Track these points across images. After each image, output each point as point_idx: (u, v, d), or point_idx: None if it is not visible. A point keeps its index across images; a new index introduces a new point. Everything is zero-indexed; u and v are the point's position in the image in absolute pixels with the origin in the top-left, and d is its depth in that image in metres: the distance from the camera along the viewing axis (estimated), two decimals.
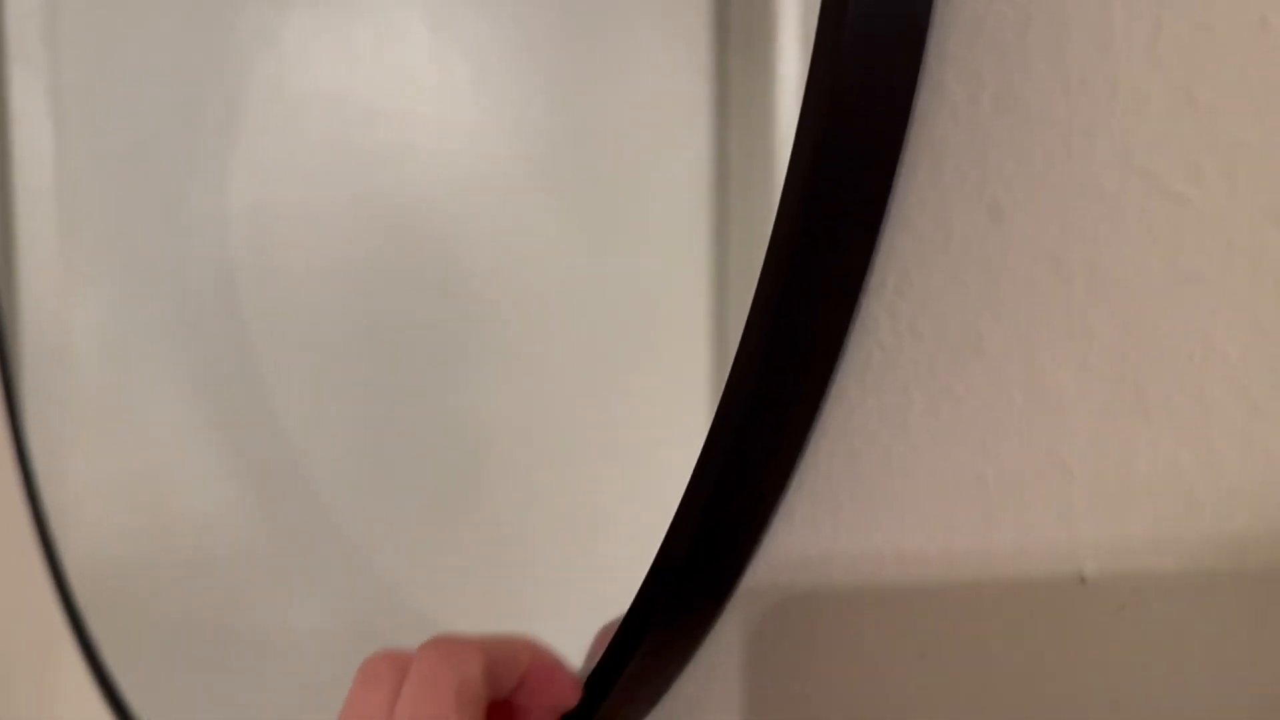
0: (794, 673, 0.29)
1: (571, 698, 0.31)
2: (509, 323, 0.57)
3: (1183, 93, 0.20)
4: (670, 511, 0.29)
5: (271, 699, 0.62)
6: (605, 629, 0.31)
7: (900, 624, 0.26)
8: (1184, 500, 0.21)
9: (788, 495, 0.28)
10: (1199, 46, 0.20)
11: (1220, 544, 0.20)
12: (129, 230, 0.65)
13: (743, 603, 0.30)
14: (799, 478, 0.28)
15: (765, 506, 0.29)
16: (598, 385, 0.53)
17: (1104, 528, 0.22)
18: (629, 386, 0.52)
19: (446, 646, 0.29)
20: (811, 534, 0.28)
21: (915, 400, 0.25)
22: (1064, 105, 0.22)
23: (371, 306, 0.60)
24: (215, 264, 0.62)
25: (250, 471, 0.63)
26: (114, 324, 0.66)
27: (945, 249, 0.24)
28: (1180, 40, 0.20)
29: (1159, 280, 0.21)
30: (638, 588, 0.31)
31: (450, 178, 0.59)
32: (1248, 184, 0.20)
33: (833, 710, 0.28)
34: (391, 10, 0.59)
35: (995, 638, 0.24)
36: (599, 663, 0.31)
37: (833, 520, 0.27)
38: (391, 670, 0.29)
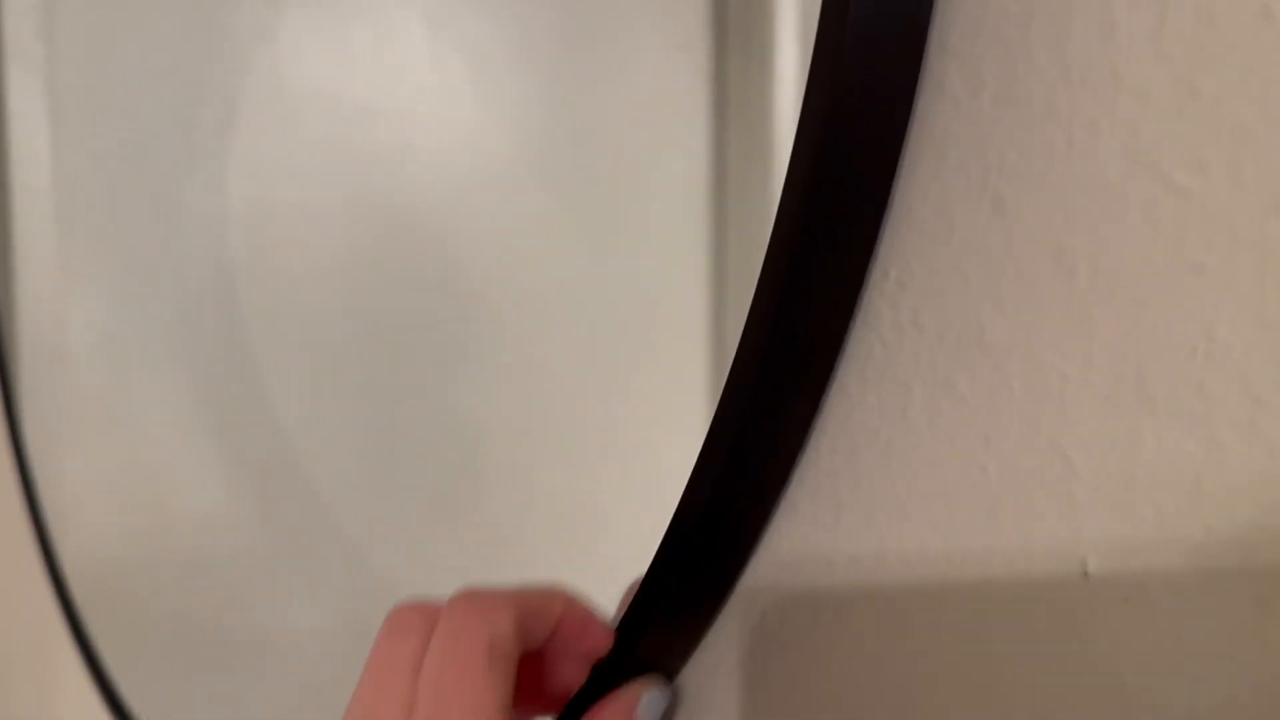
0: (796, 670, 0.29)
1: (604, 647, 0.30)
2: (508, 322, 0.57)
3: (1186, 84, 0.20)
4: (670, 510, 0.29)
5: (270, 699, 0.62)
6: (634, 585, 0.30)
7: (902, 619, 0.26)
8: (1187, 493, 0.21)
9: (788, 491, 0.28)
10: (1202, 38, 0.20)
11: (1224, 537, 0.20)
12: (126, 229, 0.65)
13: (743, 600, 0.30)
14: (799, 474, 0.28)
15: (766, 503, 0.29)
16: (597, 384, 0.53)
17: (1107, 521, 0.22)
18: (628, 385, 0.52)
19: (478, 599, 0.28)
20: (812, 530, 0.28)
21: (917, 394, 0.25)
22: (1066, 98, 0.22)
23: (370, 306, 0.60)
24: (213, 263, 0.62)
25: (249, 471, 0.63)
26: (112, 323, 0.66)
27: (947, 242, 0.24)
28: (1183, 31, 0.20)
29: (1162, 272, 0.21)
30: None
31: (449, 177, 0.58)
32: (1252, 176, 0.19)
33: (835, 706, 0.28)
34: (390, 10, 0.59)
35: (998, 632, 0.24)
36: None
37: (834, 516, 0.27)
38: (420, 621, 0.28)
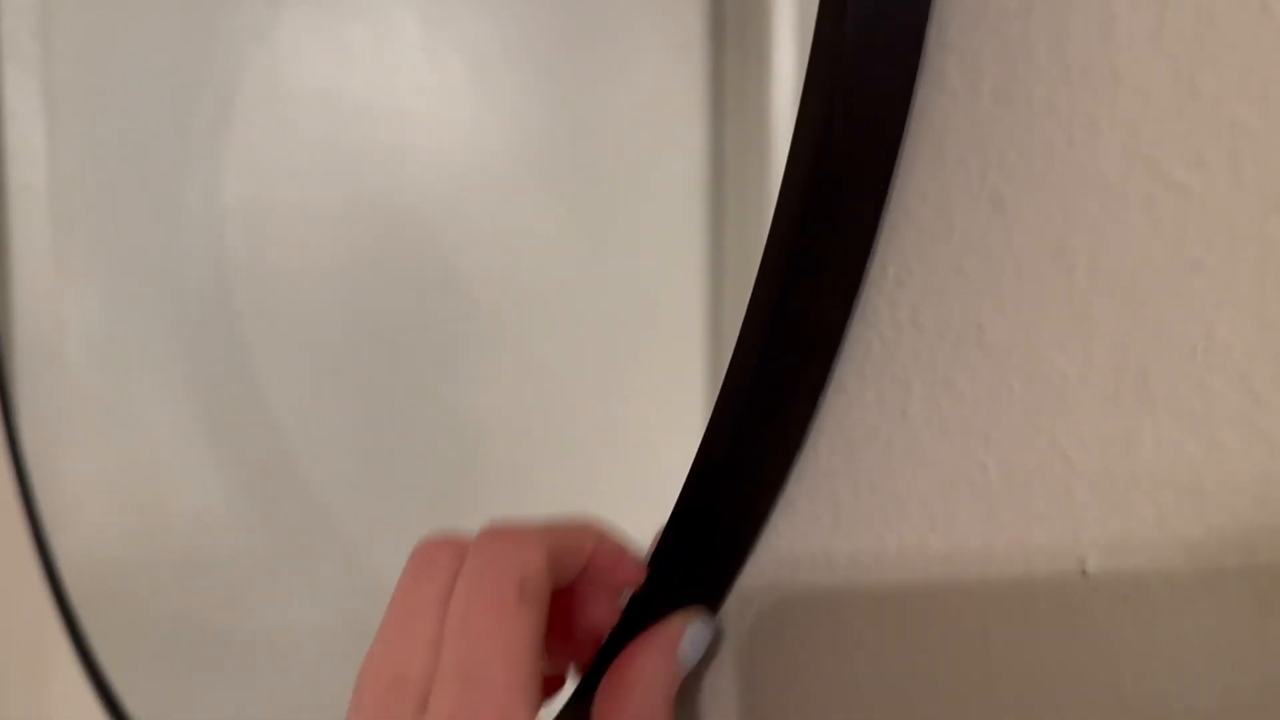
0: (794, 668, 0.29)
1: (637, 582, 0.29)
2: (506, 321, 0.57)
3: (1185, 81, 0.20)
4: (668, 509, 0.29)
5: (267, 699, 0.62)
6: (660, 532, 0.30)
7: (901, 618, 0.26)
8: (1187, 491, 0.21)
9: (786, 490, 0.28)
10: (1202, 34, 0.20)
11: (1224, 535, 0.20)
12: (123, 229, 0.65)
13: (741, 599, 0.30)
14: (798, 472, 0.28)
15: (764, 502, 0.29)
16: (595, 382, 0.52)
17: (1107, 520, 0.22)
18: (626, 384, 0.51)
19: (508, 534, 0.26)
20: (811, 528, 0.28)
21: (916, 392, 0.25)
22: (1066, 94, 0.22)
23: (367, 305, 0.60)
24: (210, 262, 0.62)
25: (245, 470, 0.63)
26: (108, 323, 0.66)
27: (946, 239, 0.24)
28: (1183, 28, 0.20)
29: (1162, 270, 0.21)
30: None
31: (447, 177, 0.58)
32: (1252, 173, 0.19)
33: (834, 705, 0.28)
34: (387, 8, 0.58)
35: (997, 631, 0.24)
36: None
37: (832, 514, 0.27)
38: (448, 557, 0.26)
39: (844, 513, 0.27)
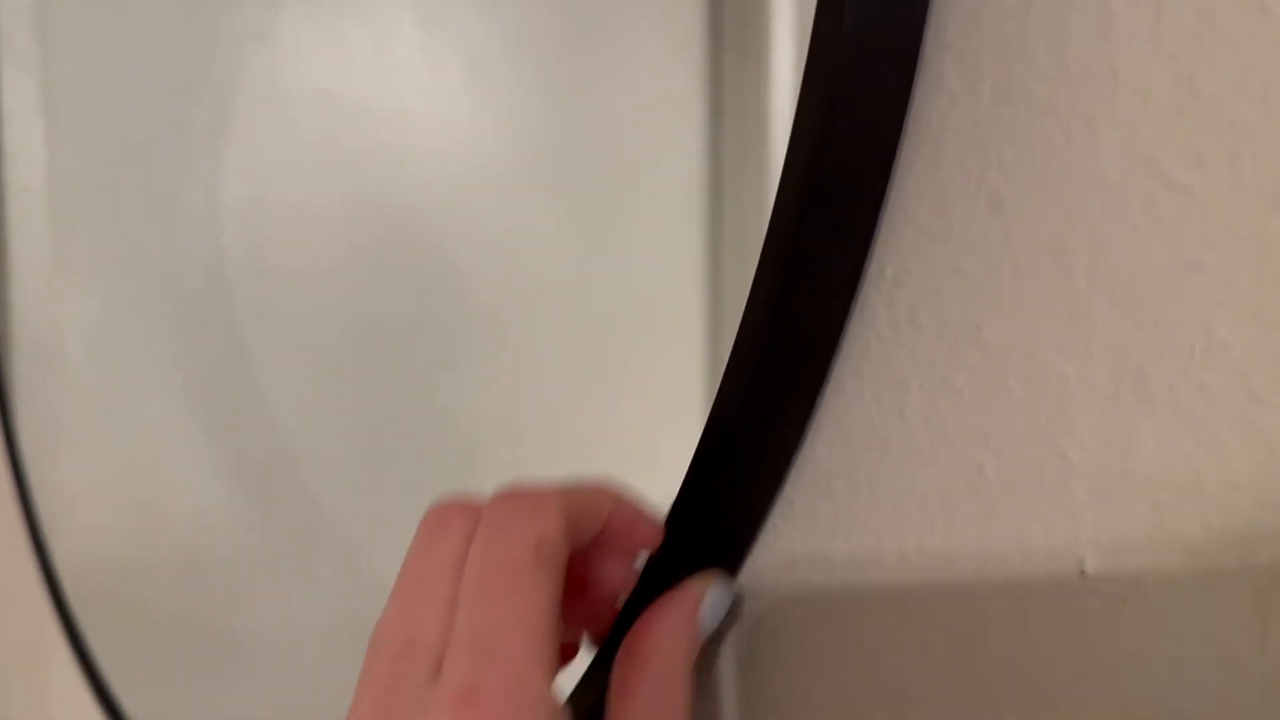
0: (792, 669, 0.29)
1: (654, 544, 0.28)
2: (505, 322, 0.57)
3: (1185, 81, 0.20)
4: (666, 510, 0.29)
5: (265, 699, 0.62)
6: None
7: (900, 618, 0.26)
8: (1186, 491, 0.21)
9: (785, 490, 0.28)
10: (1201, 34, 0.20)
11: (1224, 536, 0.20)
12: (121, 229, 0.65)
13: (739, 599, 0.30)
14: (796, 472, 0.28)
15: (762, 502, 0.29)
16: (594, 383, 0.52)
17: (1105, 520, 0.22)
18: (625, 384, 0.51)
19: (523, 496, 0.26)
20: (810, 529, 0.28)
21: (914, 392, 0.25)
22: (1065, 94, 0.22)
23: (365, 305, 0.60)
24: (208, 262, 0.62)
25: (244, 471, 0.63)
26: (107, 323, 0.66)
27: (944, 239, 0.24)
28: (1182, 27, 0.20)
29: (1161, 270, 0.21)
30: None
31: (444, 176, 0.58)
32: (1251, 172, 0.19)
33: (832, 706, 0.28)
34: (387, 8, 0.58)
35: (995, 631, 0.24)
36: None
37: (831, 514, 0.27)
38: (462, 519, 0.25)
39: (842, 513, 0.27)
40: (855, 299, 0.26)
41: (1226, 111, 0.20)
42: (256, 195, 0.61)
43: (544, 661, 0.23)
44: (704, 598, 0.28)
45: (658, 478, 0.30)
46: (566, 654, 0.31)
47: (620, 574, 0.29)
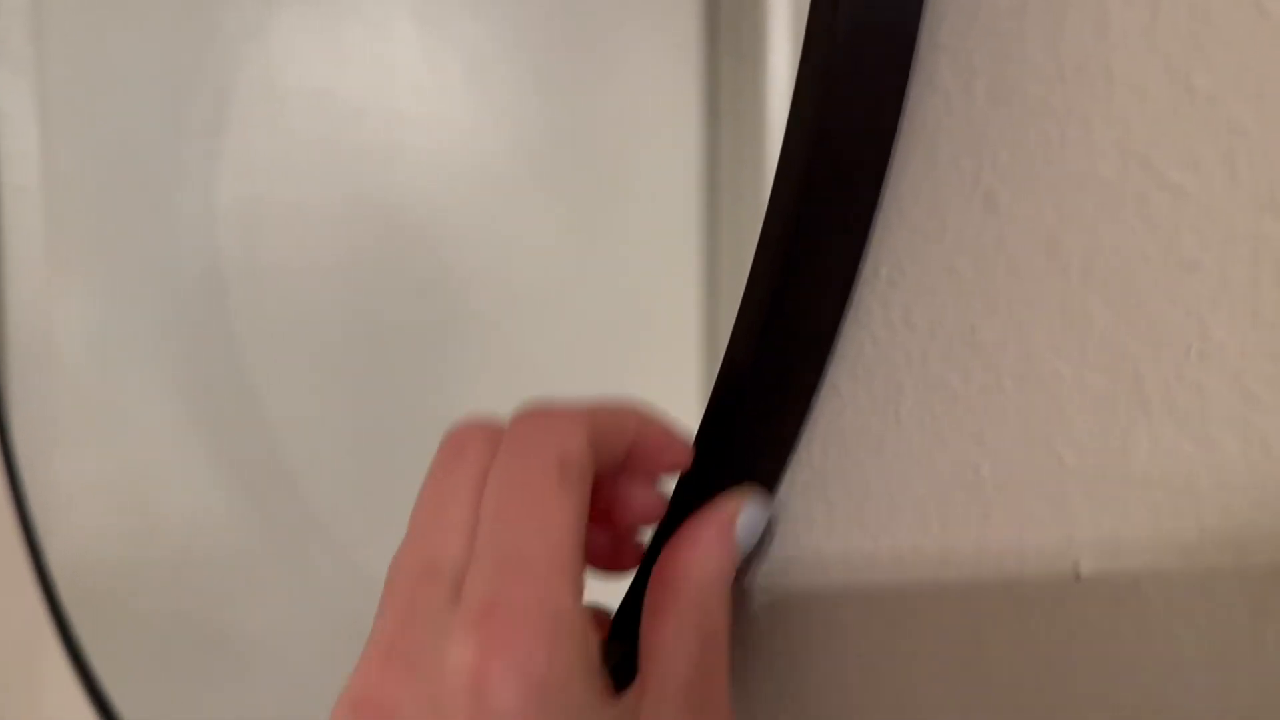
0: (787, 671, 0.28)
1: (684, 466, 0.27)
2: (500, 321, 0.57)
3: (1181, 80, 0.20)
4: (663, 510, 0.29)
5: (259, 700, 0.62)
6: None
7: (894, 619, 0.26)
8: (1182, 493, 0.20)
9: (779, 491, 0.28)
10: (1196, 33, 0.20)
11: (1219, 538, 0.20)
12: (116, 229, 0.65)
13: (734, 601, 0.30)
14: (790, 474, 0.28)
15: None
16: (589, 382, 0.52)
17: (1100, 521, 0.22)
18: (621, 383, 0.51)
19: (546, 415, 0.25)
20: (804, 530, 0.27)
21: (908, 393, 0.25)
22: (1059, 94, 0.22)
23: (360, 305, 0.60)
24: (203, 263, 0.62)
25: (238, 471, 0.63)
26: (102, 324, 0.66)
27: (939, 239, 0.24)
28: (1177, 27, 0.20)
29: (1156, 270, 0.20)
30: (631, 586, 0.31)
31: (441, 176, 0.58)
32: (1246, 172, 0.19)
33: (827, 707, 0.28)
34: (383, 8, 0.58)
35: (990, 633, 0.24)
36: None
37: (825, 515, 0.27)
38: (482, 440, 0.24)
39: (837, 514, 0.27)
40: (850, 299, 0.26)
41: (1222, 111, 0.19)
42: (252, 195, 0.61)
43: (570, 577, 0.22)
44: (739, 514, 0.26)
45: None
46: (623, 562, 0.29)
47: (648, 502, 0.27)
